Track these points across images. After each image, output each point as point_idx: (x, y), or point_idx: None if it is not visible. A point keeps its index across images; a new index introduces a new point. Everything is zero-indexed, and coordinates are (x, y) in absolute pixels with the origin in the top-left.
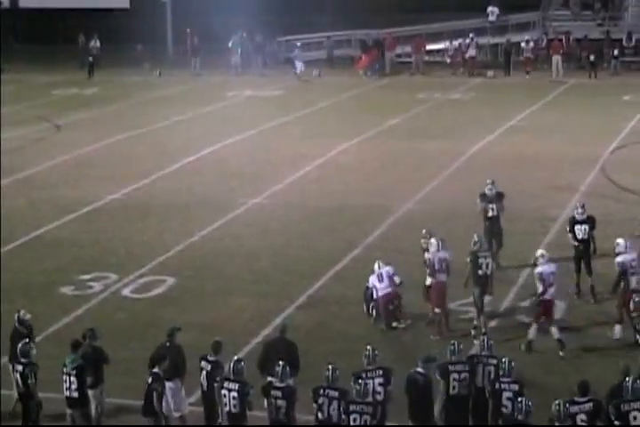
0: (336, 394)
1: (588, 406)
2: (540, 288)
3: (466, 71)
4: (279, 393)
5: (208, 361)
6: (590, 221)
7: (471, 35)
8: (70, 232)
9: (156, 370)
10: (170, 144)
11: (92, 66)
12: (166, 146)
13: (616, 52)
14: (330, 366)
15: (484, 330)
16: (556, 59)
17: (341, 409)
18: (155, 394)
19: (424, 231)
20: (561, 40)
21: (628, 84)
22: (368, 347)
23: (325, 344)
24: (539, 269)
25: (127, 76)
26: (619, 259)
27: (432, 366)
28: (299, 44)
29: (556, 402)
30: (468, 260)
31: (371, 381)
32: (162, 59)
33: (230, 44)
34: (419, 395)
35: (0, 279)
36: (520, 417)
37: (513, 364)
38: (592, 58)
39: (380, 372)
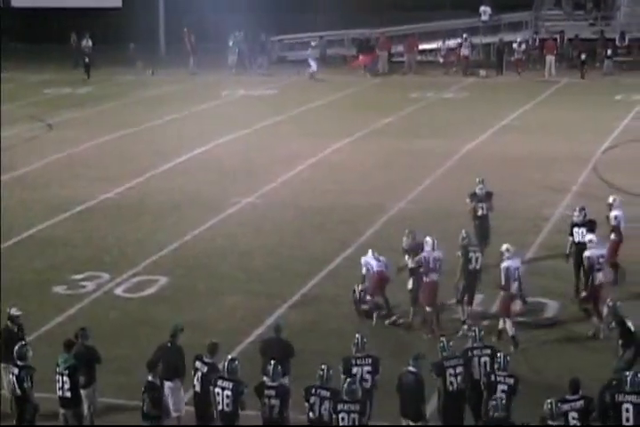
0: (328, 394)
1: (580, 403)
2: (503, 283)
3: (459, 70)
4: (273, 392)
5: (204, 363)
6: (590, 224)
7: (465, 35)
8: (63, 231)
9: (150, 379)
10: (163, 143)
11: (89, 66)
12: (159, 145)
13: (609, 51)
14: (323, 366)
15: (463, 318)
16: (550, 59)
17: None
18: (145, 404)
19: (407, 231)
20: (555, 40)
21: (620, 84)
22: (357, 335)
23: (319, 343)
24: (504, 264)
25: (120, 75)
26: (587, 253)
27: (422, 363)
28: (313, 43)
29: (548, 401)
30: (459, 254)
31: (359, 368)
32: (154, 58)
33: (231, 44)
34: (410, 393)
35: (0, 277)
36: (496, 415)
37: (508, 358)
38: (583, 57)
39: (370, 360)
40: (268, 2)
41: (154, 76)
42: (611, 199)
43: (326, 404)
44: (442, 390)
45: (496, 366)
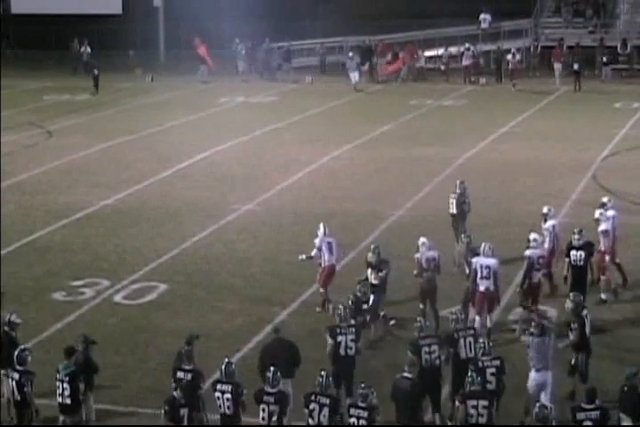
0: (327, 401)
1: (595, 414)
2: (477, 280)
3: (469, 78)
4: (272, 399)
5: (186, 371)
6: (587, 247)
7: (467, 44)
8: (62, 238)
9: (175, 394)
10: (162, 150)
11: (97, 79)
12: (159, 152)
13: (605, 58)
14: (322, 373)
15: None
16: (558, 66)
17: (342, 411)
18: (163, 416)
19: (372, 246)
20: (570, 47)
21: (620, 92)
22: (340, 306)
23: (318, 350)
24: (474, 259)
25: (119, 81)
26: (527, 252)
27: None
28: (351, 53)
29: (538, 405)
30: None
31: (343, 337)
32: (154, 64)
33: (243, 51)
34: (406, 399)
35: (0, 282)
36: (473, 388)
37: (491, 344)
38: (576, 67)
39: (352, 329)
40: (267, 9)
41: (153, 83)
42: (545, 209)
43: (325, 410)
44: (417, 367)
45: (480, 352)
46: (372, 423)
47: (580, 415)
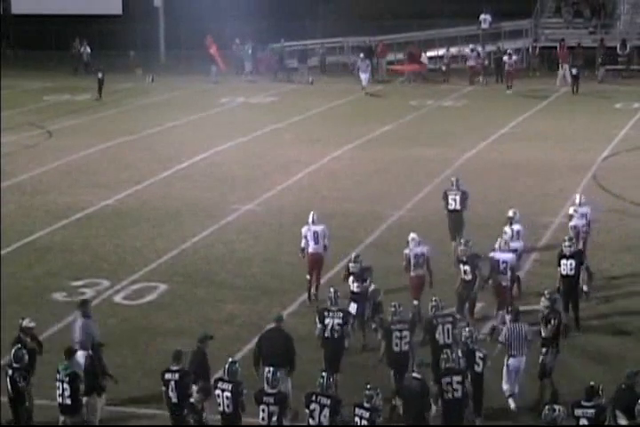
0: (328, 402)
1: (591, 412)
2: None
3: (488, 79)
4: (271, 399)
5: (173, 371)
6: (578, 255)
7: (472, 45)
8: (62, 238)
9: (192, 400)
10: (162, 150)
11: (102, 82)
12: (159, 152)
13: (600, 59)
14: (324, 374)
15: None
16: (566, 67)
17: (347, 411)
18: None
19: (353, 255)
20: (570, 48)
21: (620, 93)
22: (331, 289)
23: (318, 351)
24: (491, 254)
25: (119, 82)
26: (491, 254)
27: (426, 370)
28: (362, 55)
29: (547, 407)
30: (461, 266)
31: (331, 320)
32: (154, 65)
33: (250, 51)
34: (415, 399)
35: (0, 283)
36: (448, 365)
37: (477, 332)
38: (574, 71)
39: (340, 314)
40: (267, 9)
41: (153, 83)
42: (511, 213)
43: (326, 411)
44: (384, 351)
45: (469, 340)
46: (373, 424)
47: (578, 412)
